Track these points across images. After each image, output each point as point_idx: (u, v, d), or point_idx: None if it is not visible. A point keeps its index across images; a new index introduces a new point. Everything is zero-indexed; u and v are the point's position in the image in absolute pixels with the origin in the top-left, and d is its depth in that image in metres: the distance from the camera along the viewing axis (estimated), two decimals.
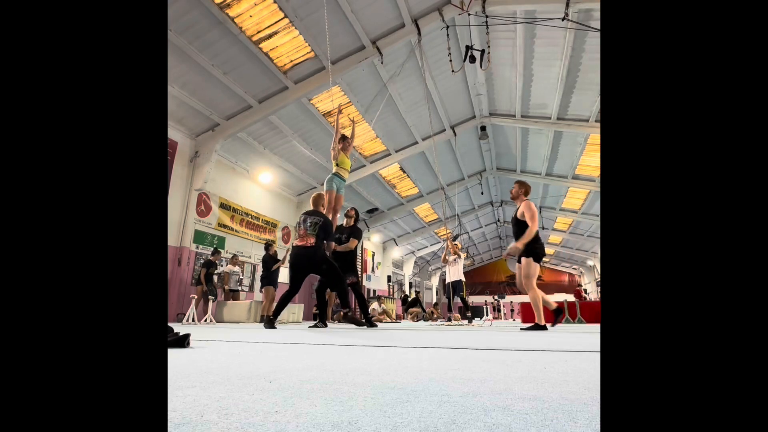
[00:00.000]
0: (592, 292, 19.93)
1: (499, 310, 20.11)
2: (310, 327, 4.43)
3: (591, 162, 11.17)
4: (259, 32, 6.48)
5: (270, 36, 6.60)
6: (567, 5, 6.14)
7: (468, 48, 6.87)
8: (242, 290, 8.74)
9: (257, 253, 10.02)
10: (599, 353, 1.34)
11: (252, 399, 0.64)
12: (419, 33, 7.07)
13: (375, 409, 0.57)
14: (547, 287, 25.66)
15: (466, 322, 7.56)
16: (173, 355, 1.32)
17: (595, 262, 20.41)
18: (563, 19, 6.10)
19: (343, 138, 5.10)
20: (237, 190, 9.45)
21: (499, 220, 19.43)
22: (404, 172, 12.45)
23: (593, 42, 6.98)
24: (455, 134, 10.76)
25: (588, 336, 2.72)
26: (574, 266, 24.12)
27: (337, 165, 4.95)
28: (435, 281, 24.34)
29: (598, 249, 18.86)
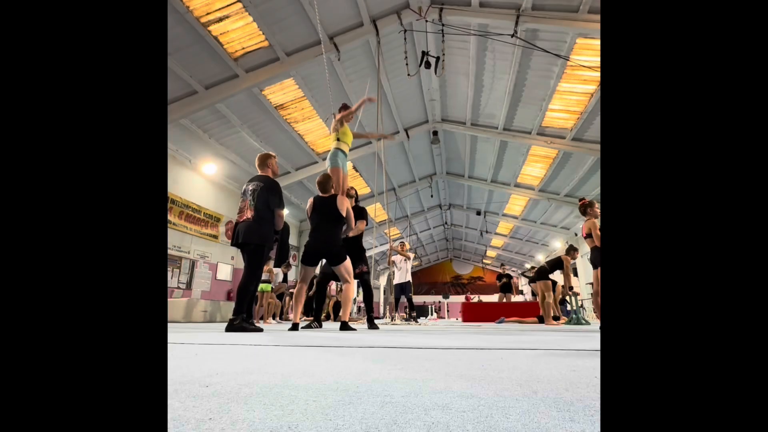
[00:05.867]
0: (528, 293, 21.36)
1: (439, 310, 20.83)
2: (303, 327, 3.87)
3: (531, 172, 11.97)
4: (208, 14, 6.10)
5: (221, 19, 6.24)
6: (516, 23, 6.53)
7: (424, 53, 7.04)
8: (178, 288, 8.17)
9: (197, 249, 9.43)
10: (536, 350, 1.45)
11: (183, 406, 0.60)
12: (377, 33, 7.11)
13: (317, 413, 0.56)
14: (488, 288, 27.04)
15: (411, 321, 7.73)
16: None
17: (530, 264, 21.89)
18: (512, 36, 6.48)
19: (344, 107, 4.34)
20: (177, 180, 8.82)
21: (446, 223, 20.14)
22: (357, 171, 12.43)
23: (538, 60, 7.49)
24: (408, 137, 10.96)
25: (523, 335, 2.91)
26: (513, 268, 25.69)
27: (338, 139, 4.21)
28: (383, 281, 24.60)
29: (535, 253, 20.25)
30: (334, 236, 3.57)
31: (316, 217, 3.66)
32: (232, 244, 3.52)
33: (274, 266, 7.63)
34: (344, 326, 3.45)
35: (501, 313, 8.54)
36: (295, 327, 3.49)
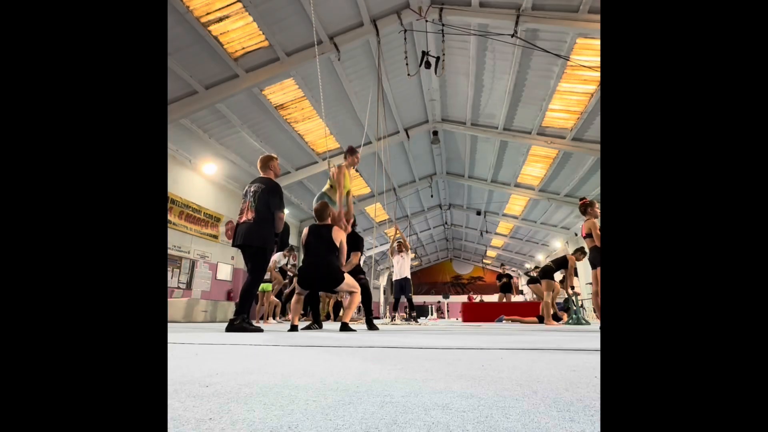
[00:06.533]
0: (528, 293, 21.35)
1: (439, 310, 20.82)
2: (303, 329, 3.88)
3: (531, 172, 11.97)
4: (208, 14, 6.10)
5: (221, 19, 6.24)
6: (516, 23, 6.53)
7: (424, 53, 7.04)
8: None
9: (197, 249, 9.43)
10: (536, 350, 1.45)
11: (183, 406, 0.60)
12: (377, 33, 7.11)
13: (317, 413, 0.56)
14: (488, 288, 27.06)
15: (411, 321, 7.73)
16: None
17: (532, 264, 21.87)
18: (512, 36, 6.48)
19: (351, 150, 4.39)
20: (177, 180, 8.82)
21: (446, 223, 20.14)
22: (357, 171, 12.43)
23: (538, 60, 7.49)
24: (408, 137, 10.96)
25: (523, 335, 2.92)
26: (513, 268, 25.70)
27: (331, 186, 4.25)
28: (383, 281, 24.60)
29: (535, 253, 20.24)
30: (330, 264, 3.50)
31: (311, 245, 3.60)
32: (233, 245, 3.53)
33: (276, 251, 7.54)
34: (344, 327, 3.45)
35: (501, 313, 8.54)
36: (294, 328, 3.50)
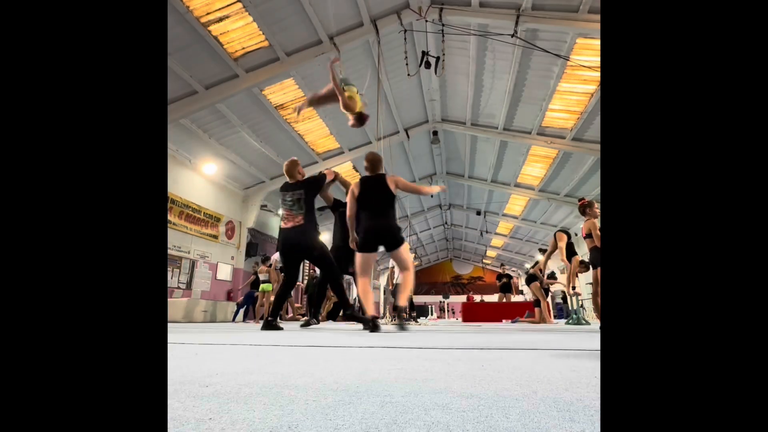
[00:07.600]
0: (528, 293, 21.31)
1: (442, 310, 20.81)
2: (302, 326, 3.91)
3: (531, 172, 11.96)
4: (208, 14, 6.10)
5: (221, 19, 6.24)
6: (516, 23, 6.52)
7: (424, 53, 7.04)
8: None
9: (197, 249, 9.43)
10: (536, 350, 1.45)
11: (182, 406, 0.60)
12: (377, 33, 7.11)
13: (317, 412, 0.56)
14: (488, 288, 27.04)
15: (411, 321, 7.73)
16: None
17: (532, 264, 21.83)
18: (512, 36, 6.48)
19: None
20: (177, 180, 8.82)
21: (446, 223, 20.14)
22: (357, 171, 12.43)
23: (538, 60, 7.48)
24: (408, 137, 10.96)
25: (523, 335, 2.91)
26: (513, 268, 25.67)
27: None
28: (383, 281, 24.59)
29: (535, 253, 20.23)
30: (391, 218, 3.30)
31: (367, 199, 3.34)
32: (281, 250, 3.77)
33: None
34: (397, 310, 3.27)
35: (501, 313, 8.56)
36: (373, 323, 3.17)
